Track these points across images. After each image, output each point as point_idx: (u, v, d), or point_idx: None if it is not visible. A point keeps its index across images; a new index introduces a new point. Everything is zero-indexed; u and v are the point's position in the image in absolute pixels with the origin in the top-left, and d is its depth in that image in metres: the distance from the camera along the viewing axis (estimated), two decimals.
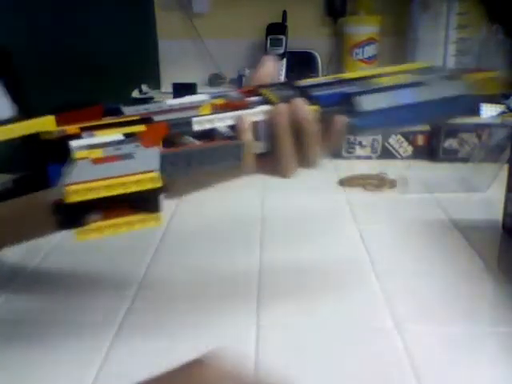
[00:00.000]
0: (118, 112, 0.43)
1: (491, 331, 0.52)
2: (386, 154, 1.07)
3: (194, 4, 1.63)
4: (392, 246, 0.72)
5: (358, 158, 1.07)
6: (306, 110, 0.44)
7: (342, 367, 0.47)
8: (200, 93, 0.47)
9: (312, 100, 0.45)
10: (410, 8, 1.51)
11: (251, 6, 1.61)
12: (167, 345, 0.50)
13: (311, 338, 0.51)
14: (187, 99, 0.45)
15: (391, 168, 0.99)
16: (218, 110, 0.44)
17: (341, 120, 0.46)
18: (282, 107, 0.44)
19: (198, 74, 1.61)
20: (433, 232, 0.76)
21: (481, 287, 0.61)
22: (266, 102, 0.45)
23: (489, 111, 1.04)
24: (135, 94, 1.50)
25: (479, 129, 1.02)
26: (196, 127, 0.43)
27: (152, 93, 1.54)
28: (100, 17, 1.13)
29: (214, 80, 1.65)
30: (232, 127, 0.44)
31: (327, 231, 0.77)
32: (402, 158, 1.07)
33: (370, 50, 1.54)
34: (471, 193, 0.90)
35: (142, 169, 0.36)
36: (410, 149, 1.07)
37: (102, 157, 0.37)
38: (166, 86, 1.52)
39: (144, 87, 1.54)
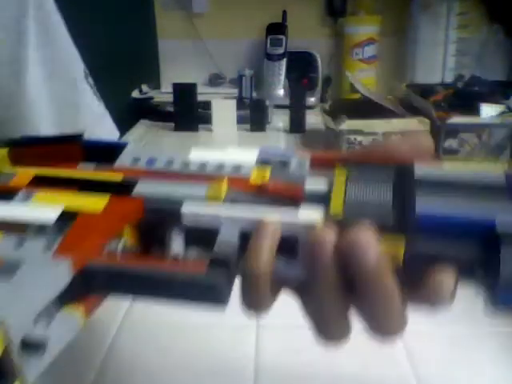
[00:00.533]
0: (112, 153, 0.30)
1: (491, 331, 0.52)
2: None
3: (194, 4, 1.63)
4: None
5: None
6: (369, 253, 0.23)
7: (342, 367, 0.47)
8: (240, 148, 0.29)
9: (406, 227, 0.23)
10: (410, 8, 1.51)
11: (251, 5, 1.61)
12: None
13: None
14: (223, 156, 0.28)
15: None
16: (238, 192, 0.26)
17: (446, 280, 0.23)
18: (325, 238, 0.23)
19: (198, 74, 1.62)
20: None
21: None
22: (326, 201, 0.25)
23: (489, 111, 1.04)
24: (135, 94, 1.50)
25: (479, 129, 1.02)
26: (185, 221, 0.25)
27: (152, 93, 1.54)
28: (100, 17, 1.13)
29: (214, 80, 1.65)
30: (245, 236, 0.25)
31: None
32: None
33: (369, 50, 1.54)
34: None
35: None
36: None
37: None
38: (166, 86, 1.52)
39: (144, 87, 1.54)
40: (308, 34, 1.62)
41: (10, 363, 0.21)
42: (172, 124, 1.31)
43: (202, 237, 0.25)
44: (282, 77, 1.52)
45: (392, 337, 0.25)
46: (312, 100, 1.50)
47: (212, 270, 0.23)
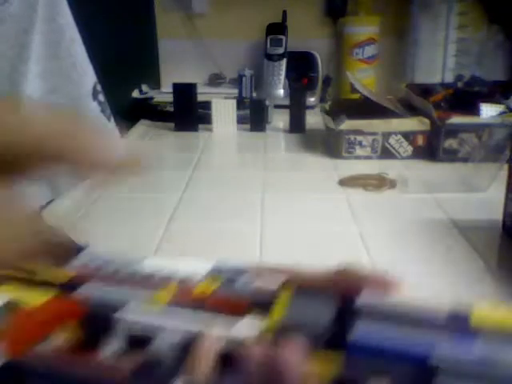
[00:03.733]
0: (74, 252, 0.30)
1: None
2: (386, 153, 1.07)
3: (194, 4, 1.63)
4: (392, 246, 0.72)
5: (358, 158, 1.07)
6: (295, 366, 0.23)
7: None
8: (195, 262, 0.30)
9: (342, 346, 0.23)
10: (410, 8, 1.52)
11: (251, 6, 1.61)
12: None
13: None
14: (179, 266, 0.29)
15: (391, 168, 0.99)
16: (180, 301, 0.27)
17: None
18: (252, 352, 0.24)
19: (197, 74, 1.62)
20: (433, 232, 0.76)
21: (481, 287, 0.61)
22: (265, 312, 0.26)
23: (489, 111, 1.04)
24: (135, 94, 1.50)
25: (479, 129, 1.02)
26: (121, 327, 0.25)
27: (152, 93, 1.54)
28: (99, 17, 1.13)
29: (214, 80, 1.66)
30: (183, 346, 0.25)
31: (327, 231, 0.77)
32: (402, 157, 1.07)
33: (369, 50, 1.54)
34: (471, 193, 0.90)
35: None
36: (409, 149, 1.07)
37: None
38: (166, 86, 1.52)
39: (144, 87, 1.54)
40: (308, 33, 1.62)
41: None
42: (172, 124, 1.31)
43: (138, 342, 0.25)
44: (282, 77, 1.52)
45: None
46: (312, 100, 1.51)
47: (137, 375, 0.24)
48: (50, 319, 0.26)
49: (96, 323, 0.26)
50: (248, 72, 1.46)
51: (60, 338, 0.26)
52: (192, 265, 0.29)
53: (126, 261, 0.30)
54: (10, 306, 0.26)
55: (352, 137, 1.07)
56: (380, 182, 0.93)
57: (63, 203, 0.82)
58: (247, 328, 0.25)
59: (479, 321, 0.23)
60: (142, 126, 1.38)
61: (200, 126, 1.30)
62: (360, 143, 1.07)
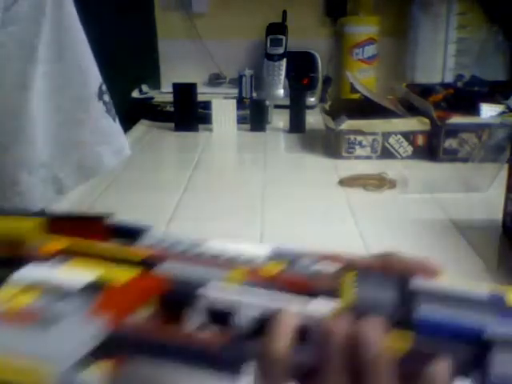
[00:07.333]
0: (137, 234, 0.32)
1: None
2: (386, 153, 1.07)
3: (194, 4, 1.63)
4: (392, 246, 0.72)
5: (358, 158, 1.07)
6: (376, 343, 0.26)
7: None
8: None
9: (410, 325, 0.26)
10: (410, 8, 1.52)
11: (251, 6, 1.61)
12: None
13: None
14: (241, 248, 0.31)
15: (391, 168, 0.99)
16: (254, 280, 0.28)
17: (442, 373, 0.26)
18: (337, 327, 0.26)
19: (198, 74, 1.62)
20: (433, 232, 0.76)
21: None
22: (336, 296, 0.28)
23: (489, 111, 1.04)
24: (135, 94, 1.50)
25: (479, 129, 1.02)
26: (203, 302, 0.28)
27: (152, 93, 1.54)
28: (100, 17, 1.13)
29: (214, 80, 1.66)
30: (262, 322, 0.27)
31: (327, 231, 0.77)
32: (402, 157, 1.07)
33: (369, 50, 1.54)
34: (471, 193, 0.90)
35: (35, 352, 0.23)
36: (409, 149, 1.07)
37: (18, 310, 0.26)
38: (166, 86, 1.52)
39: (144, 87, 1.54)
40: (308, 34, 1.62)
41: None
42: (172, 124, 1.31)
43: (219, 317, 0.28)
44: (282, 77, 1.52)
45: None
46: (312, 100, 1.50)
47: (229, 345, 0.26)
48: (139, 294, 0.28)
49: (179, 299, 0.28)
50: (248, 72, 1.46)
51: (146, 312, 0.28)
52: (251, 248, 0.31)
53: (191, 242, 0.32)
54: (100, 282, 0.28)
55: (352, 137, 1.07)
56: (380, 182, 0.93)
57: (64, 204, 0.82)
58: (322, 306, 0.27)
59: None
60: (142, 126, 1.38)
61: (200, 126, 1.30)
62: (360, 143, 1.07)
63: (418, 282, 0.28)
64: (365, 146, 1.07)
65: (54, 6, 0.50)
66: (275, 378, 0.27)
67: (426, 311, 0.27)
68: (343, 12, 1.60)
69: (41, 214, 0.33)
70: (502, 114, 1.03)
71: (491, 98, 1.07)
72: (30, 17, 0.48)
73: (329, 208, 0.86)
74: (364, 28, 1.53)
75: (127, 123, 1.34)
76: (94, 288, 0.28)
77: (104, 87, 0.58)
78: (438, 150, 1.05)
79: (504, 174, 0.74)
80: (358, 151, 1.07)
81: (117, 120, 0.60)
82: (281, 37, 1.53)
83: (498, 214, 0.76)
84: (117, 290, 0.28)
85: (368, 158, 1.07)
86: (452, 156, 1.04)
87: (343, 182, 0.95)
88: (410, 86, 1.30)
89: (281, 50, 1.53)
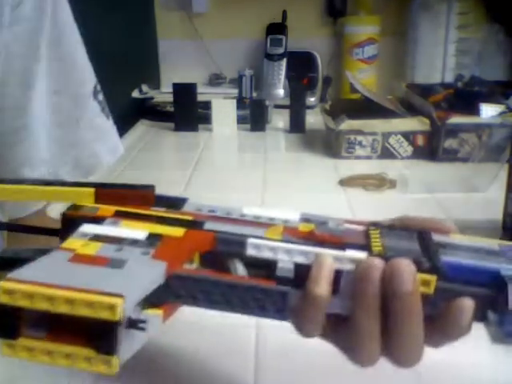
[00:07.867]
0: (178, 203, 0.36)
1: None
2: (386, 153, 1.07)
3: (194, 4, 1.63)
4: None
5: (358, 157, 1.07)
6: (410, 278, 0.28)
7: None
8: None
9: (436, 269, 0.30)
10: (410, 8, 1.51)
11: (251, 5, 1.61)
12: None
13: None
14: (272, 213, 0.35)
15: (391, 168, 0.99)
16: (291, 236, 0.32)
17: (468, 307, 0.29)
18: (375, 263, 0.29)
19: (198, 73, 1.62)
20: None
21: None
22: (366, 248, 0.31)
23: (489, 111, 1.04)
24: (135, 94, 1.50)
25: (479, 129, 1.02)
26: (250, 251, 0.31)
27: (152, 93, 1.54)
28: (99, 17, 1.13)
29: (214, 80, 1.66)
30: (303, 268, 0.30)
31: None
32: (402, 157, 1.07)
33: (369, 50, 1.54)
34: (471, 193, 0.90)
35: (108, 288, 0.25)
36: (409, 149, 1.07)
37: (89, 255, 0.28)
38: (166, 86, 1.52)
39: (144, 87, 1.54)
40: (308, 33, 1.62)
41: (114, 336, 0.24)
42: (172, 124, 1.31)
43: (261, 267, 0.31)
44: (282, 77, 1.52)
45: (410, 365, 0.31)
46: (312, 100, 1.51)
47: (279, 285, 0.30)
48: (192, 246, 0.32)
49: (226, 250, 0.32)
50: (248, 72, 1.46)
51: (197, 262, 0.32)
52: (283, 213, 0.35)
53: (229, 208, 0.36)
54: (156, 236, 0.31)
55: (352, 137, 1.07)
56: (380, 182, 0.93)
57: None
58: (357, 252, 0.30)
59: None
60: (142, 126, 1.38)
61: (200, 125, 1.30)
62: (360, 143, 1.07)
63: (437, 236, 0.33)
64: (365, 145, 1.07)
65: (53, 4, 0.51)
66: (315, 318, 0.29)
67: (448, 256, 0.31)
68: (343, 12, 1.60)
69: (88, 184, 0.36)
70: (502, 113, 1.03)
71: (491, 98, 1.07)
72: (33, 16, 0.49)
73: (329, 208, 0.85)
74: (364, 28, 1.53)
75: (127, 123, 1.34)
76: (150, 240, 0.31)
77: (98, 86, 0.58)
78: (438, 149, 1.05)
79: (504, 173, 0.74)
80: (358, 151, 1.07)
81: (110, 119, 0.60)
82: (281, 37, 1.53)
83: (498, 214, 0.76)
84: (174, 241, 0.31)
85: (368, 157, 1.07)
86: (452, 156, 1.04)
87: (343, 182, 0.95)
88: (410, 85, 1.30)
89: (281, 50, 1.53)
